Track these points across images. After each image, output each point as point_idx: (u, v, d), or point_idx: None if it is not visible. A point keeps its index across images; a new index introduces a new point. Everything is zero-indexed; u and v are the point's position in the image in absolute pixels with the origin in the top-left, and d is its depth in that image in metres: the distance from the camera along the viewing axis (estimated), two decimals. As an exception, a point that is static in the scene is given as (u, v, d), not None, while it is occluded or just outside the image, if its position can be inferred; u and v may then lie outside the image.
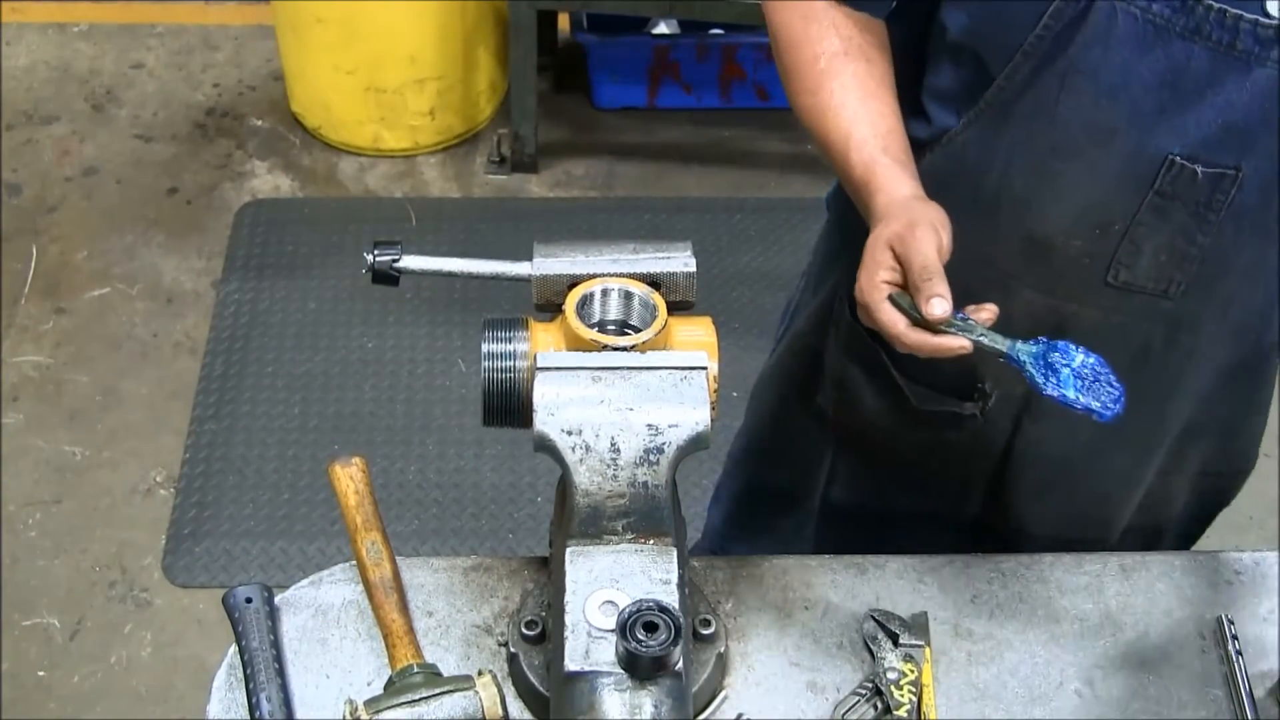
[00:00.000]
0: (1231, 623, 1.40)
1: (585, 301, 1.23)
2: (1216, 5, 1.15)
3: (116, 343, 3.22)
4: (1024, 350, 1.19)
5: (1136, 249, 1.30)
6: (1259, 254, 1.31)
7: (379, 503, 1.40)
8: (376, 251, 1.28)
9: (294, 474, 2.96)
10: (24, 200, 3.55)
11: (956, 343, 1.17)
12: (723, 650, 1.32)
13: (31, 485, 2.92)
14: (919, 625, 1.39)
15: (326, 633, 1.37)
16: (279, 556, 2.80)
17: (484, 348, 1.21)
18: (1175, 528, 1.65)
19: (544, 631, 1.31)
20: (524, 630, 1.31)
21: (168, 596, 2.73)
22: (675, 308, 1.24)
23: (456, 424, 3.07)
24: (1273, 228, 1.28)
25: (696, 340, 1.23)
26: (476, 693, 1.23)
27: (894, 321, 1.19)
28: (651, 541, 1.16)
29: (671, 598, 1.12)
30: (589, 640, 1.10)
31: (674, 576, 1.14)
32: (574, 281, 1.24)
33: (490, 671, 1.27)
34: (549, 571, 1.35)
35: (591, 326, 1.22)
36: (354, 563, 1.39)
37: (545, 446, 1.16)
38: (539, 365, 1.18)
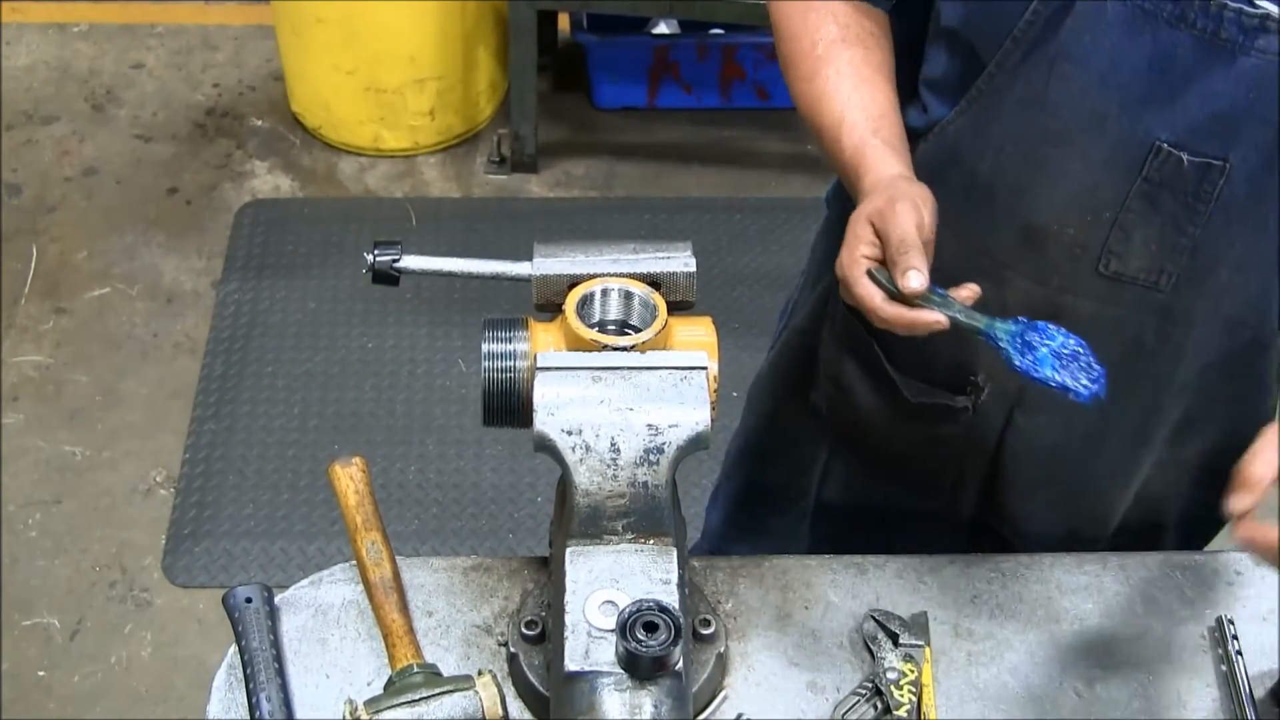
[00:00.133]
0: (1231, 623, 1.40)
1: (585, 301, 1.23)
2: None
3: (116, 343, 3.22)
4: (1001, 328, 1.18)
5: (1127, 237, 1.31)
6: (1251, 247, 1.31)
7: (379, 503, 1.40)
8: (376, 251, 1.28)
9: (294, 474, 2.96)
10: (24, 200, 3.56)
11: (931, 316, 1.17)
12: (723, 650, 1.32)
13: (31, 485, 2.92)
14: (919, 625, 1.39)
15: (326, 633, 1.37)
16: (279, 556, 2.80)
17: (484, 348, 1.21)
18: (1178, 526, 1.65)
19: (544, 631, 1.31)
20: (524, 630, 1.31)
21: (168, 596, 2.74)
22: (675, 308, 1.24)
23: (456, 424, 3.07)
24: (1264, 222, 1.28)
25: (696, 340, 1.23)
26: (476, 693, 1.23)
27: (870, 295, 1.19)
28: (651, 541, 1.16)
29: (671, 598, 1.12)
30: (589, 640, 1.10)
31: (674, 576, 1.14)
32: (574, 281, 1.24)
33: (490, 671, 1.27)
34: (549, 571, 1.35)
35: (591, 326, 1.22)
36: (354, 563, 1.39)
37: (545, 446, 1.16)
38: (539, 365, 1.18)
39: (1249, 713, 1.33)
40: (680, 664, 1.07)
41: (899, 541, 1.57)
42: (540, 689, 1.28)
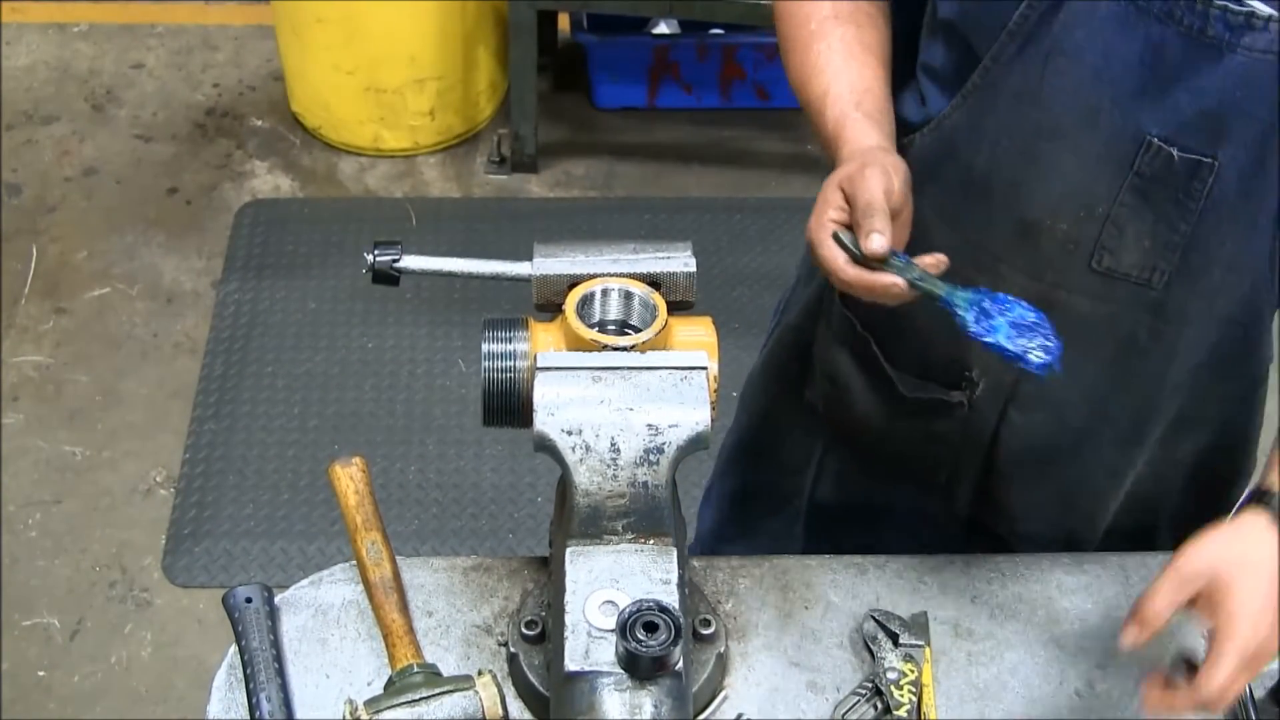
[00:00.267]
0: (1231, 623, 1.40)
1: (585, 301, 1.23)
2: None
3: (116, 343, 3.22)
4: (960, 295, 1.20)
5: (1120, 233, 1.32)
6: (1242, 247, 1.31)
7: (379, 503, 1.40)
8: (376, 251, 1.28)
9: (294, 474, 2.96)
10: (24, 200, 3.56)
11: (889, 279, 1.20)
12: (723, 650, 1.32)
13: (31, 485, 2.92)
14: (919, 625, 1.39)
15: (326, 633, 1.37)
16: (279, 556, 2.80)
17: (484, 348, 1.21)
18: (1170, 525, 1.65)
19: (544, 631, 1.31)
20: (524, 630, 1.31)
21: (168, 596, 2.73)
22: (675, 308, 1.24)
23: (456, 424, 3.07)
24: (1255, 221, 1.29)
25: (696, 340, 1.23)
26: (476, 693, 1.23)
27: (833, 257, 1.23)
28: (651, 541, 1.16)
29: (671, 598, 1.12)
30: (589, 640, 1.10)
31: (674, 576, 1.14)
32: (574, 281, 1.24)
33: (490, 671, 1.27)
34: (549, 571, 1.35)
35: (591, 326, 1.22)
36: (354, 563, 1.39)
37: (545, 446, 1.16)
38: (539, 365, 1.18)
39: (1249, 713, 1.33)
40: (680, 664, 1.07)
41: (893, 540, 1.57)
42: (540, 689, 1.28)
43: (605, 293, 1.24)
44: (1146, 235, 1.31)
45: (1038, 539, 1.58)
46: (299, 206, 3.59)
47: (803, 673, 1.36)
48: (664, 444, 1.15)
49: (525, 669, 1.29)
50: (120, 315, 3.28)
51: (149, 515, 2.87)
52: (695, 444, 1.16)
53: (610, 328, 1.23)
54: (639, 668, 1.06)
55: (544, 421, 1.15)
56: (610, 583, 1.14)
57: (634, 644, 1.05)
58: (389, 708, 1.22)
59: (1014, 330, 1.19)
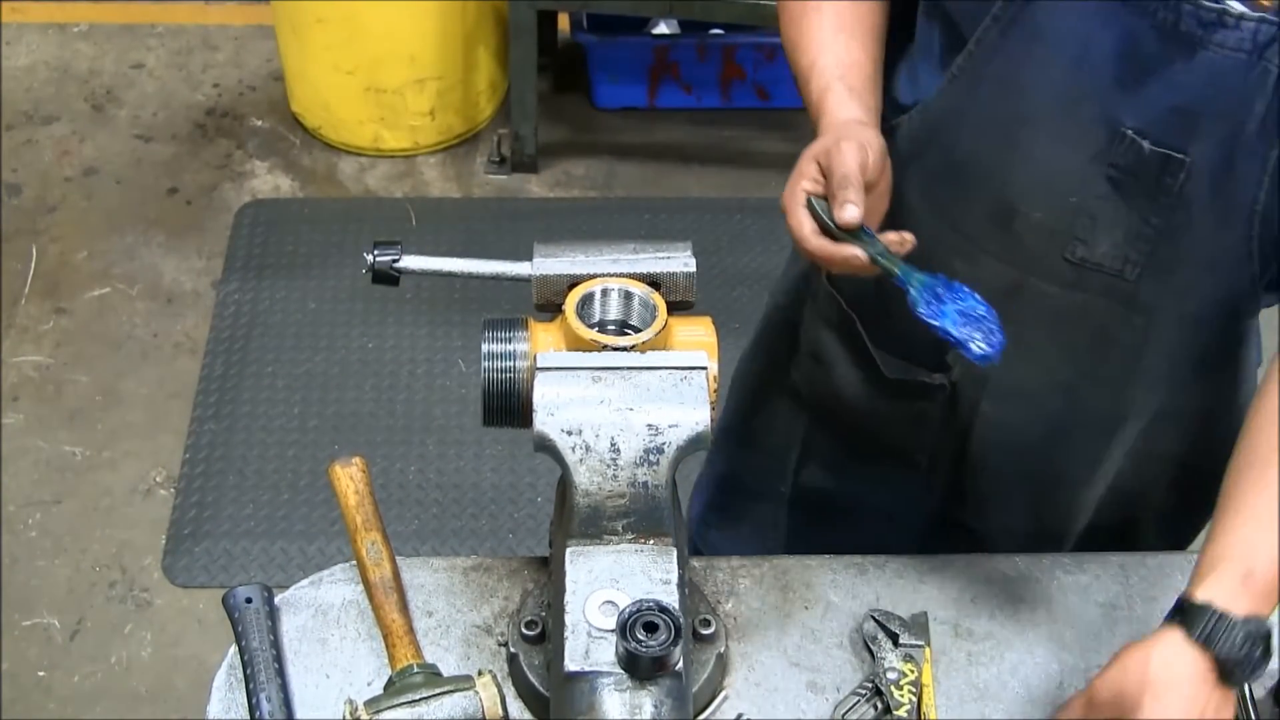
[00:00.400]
0: (1231, 623, 1.40)
1: (585, 301, 1.23)
2: None
3: (116, 343, 3.22)
4: (917, 277, 1.23)
5: (1093, 224, 1.33)
6: (1216, 248, 1.32)
7: (379, 503, 1.40)
8: (376, 251, 1.28)
9: (294, 474, 2.96)
10: (24, 200, 3.56)
11: (850, 250, 1.23)
12: (723, 650, 1.32)
13: (31, 485, 2.92)
14: (919, 625, 1.39)
15: (326, 633, 1.37)
16: (279, 556, 2.80)
17: (484, 348, 1.21)
18: (1155, 523, 1.65)
19: (544, 631, 1.31)
20: (524, 630, 1.31)
21: (168, 596, 2.73)
22: (675, 308, 1.24)
23: (456, 424, 3.07)
24: (1230, 222, 1.29)
25: (696, 340, 1.23)
26: (476, 693, 1.23)
27: (801, 225, 1.26)
28: (651, 541, 1.16)
29: (671, 598, 1.12)
30: (589, 640, 1.10)
31: (674, 576, 1.14)
32: (574, 281, 1.25)
33: (490, 671, 1.27)
34: (549, 571, 1.35)
35: (591, 326, 1.22)
36: (354, 563, 1.39)
37: (545, 446, 1.16)
38: (539, 365, 1.18)
39: (1249, 713, 1.33)
40: (680, 664, 1.07)
41: (872, 530, 1.58)
42: (540, 689, 1.28)
43: (605, 293, 1.24)
44: (1119, 227, 1.32)
45: (1011, 532, 1.59)
46: (299, 206, 3.59)
47: (803, 673, 1.36)
48: (664, 444, 1.15)
49: (525, 669, 1.29)
50: (120, 315, 3.28)
51: (149, 515, 2.87)
52: (695, 444, 1.16)
53: (610, 328, 1.23)
54: (639, 668, 1.06)
55: (544, 421, 1.15)
56: (610, 583, 1.14)
57: (634, 644, 1.05)
58: (389, 708, 1.22)
59: (961, 318, 1.21)
